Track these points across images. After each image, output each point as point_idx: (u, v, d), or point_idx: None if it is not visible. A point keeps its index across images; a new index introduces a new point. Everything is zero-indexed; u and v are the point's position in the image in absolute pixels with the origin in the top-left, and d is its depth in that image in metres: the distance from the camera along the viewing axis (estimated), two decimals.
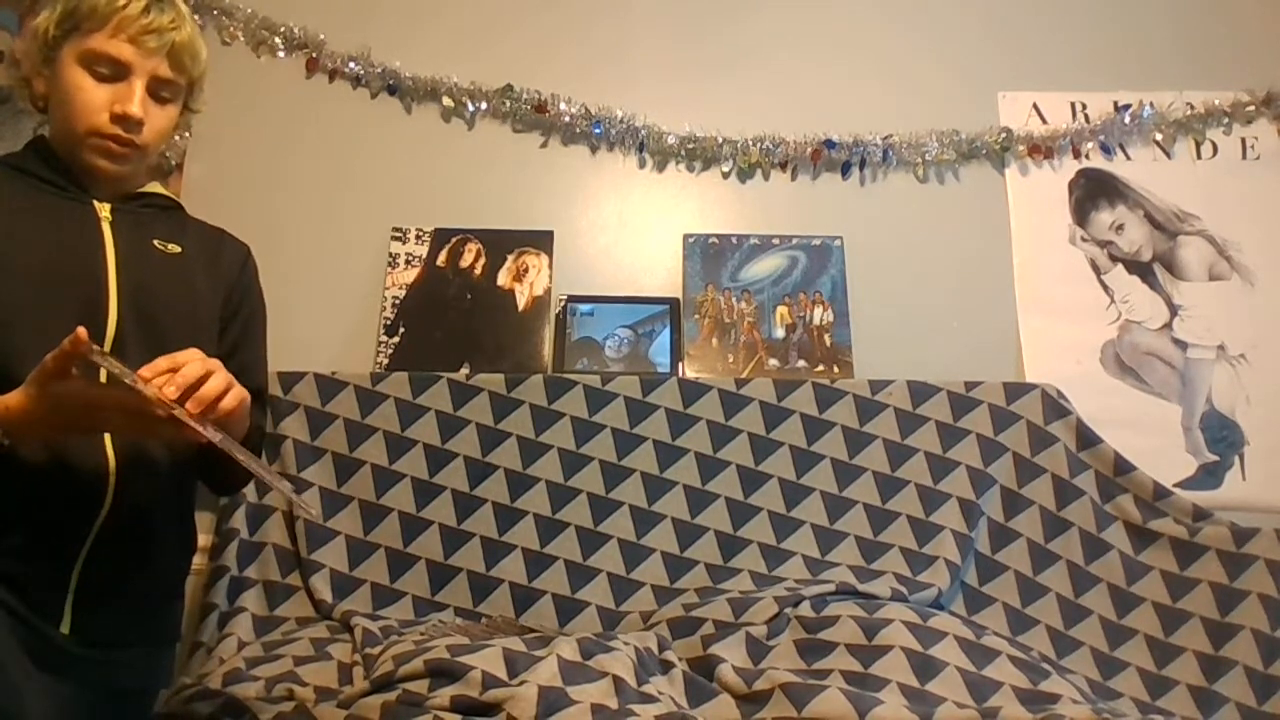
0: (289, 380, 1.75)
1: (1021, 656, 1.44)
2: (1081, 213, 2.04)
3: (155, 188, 1.33)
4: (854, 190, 2.06)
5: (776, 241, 1.99)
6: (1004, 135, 2.05)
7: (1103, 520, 1.72)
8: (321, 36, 2.07)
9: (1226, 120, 2.08)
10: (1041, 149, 2.06)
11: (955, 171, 2.08)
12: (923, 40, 2.13)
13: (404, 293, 1.92)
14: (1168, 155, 2.07)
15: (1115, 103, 2.08)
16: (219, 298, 1.31)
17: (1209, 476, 1.88)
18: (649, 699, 1.22)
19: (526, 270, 1.94)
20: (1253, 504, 1.84)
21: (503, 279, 1.94)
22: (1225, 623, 1.63)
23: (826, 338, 1.91)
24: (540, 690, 1.14)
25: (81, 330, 0.92)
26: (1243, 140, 2.08)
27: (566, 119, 2.04)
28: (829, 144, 2.04)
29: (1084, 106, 2.09)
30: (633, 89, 2.08)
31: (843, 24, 2.14)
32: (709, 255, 1.98)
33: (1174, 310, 1.98)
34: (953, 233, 2.03)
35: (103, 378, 1.04)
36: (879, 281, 1.98)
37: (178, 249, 1.27)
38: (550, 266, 1.95)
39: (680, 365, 1.88)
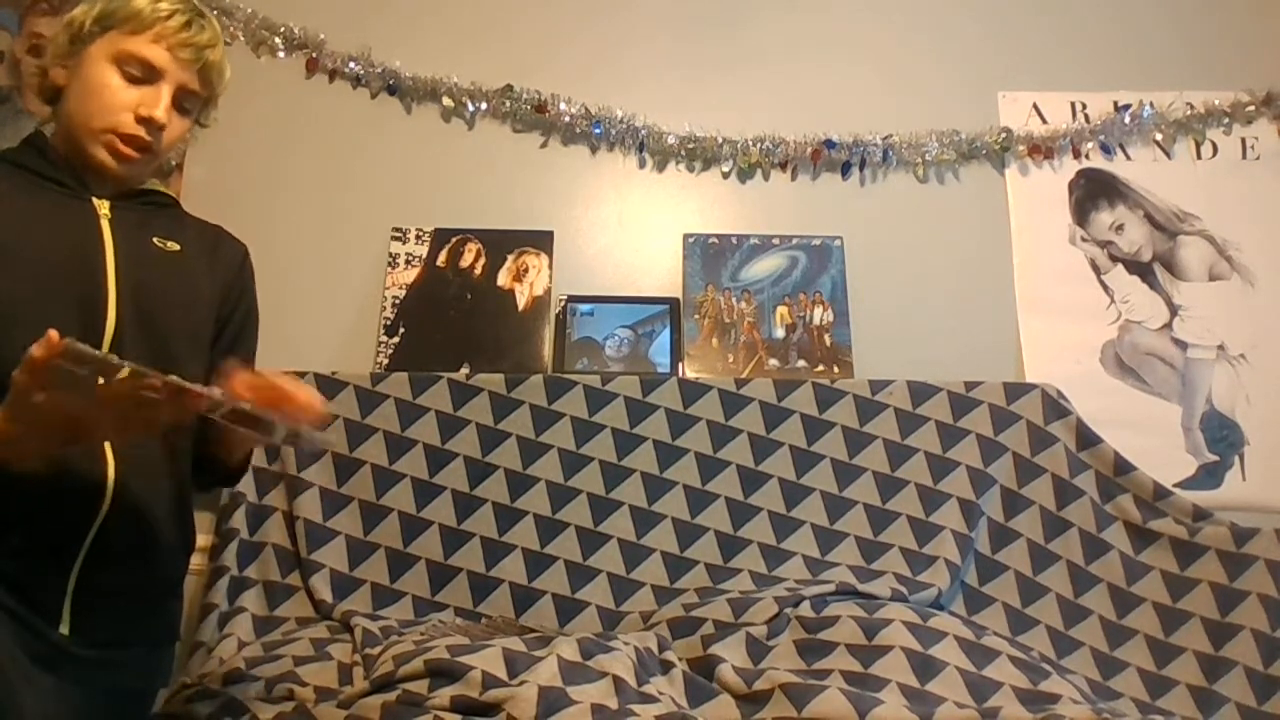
0: None
1: (1021, 656, 1.44)
2: (1081, 213, 2.04)
3: (153, 185, 1.33)
4: (854, 190, 2.06)
5: (776, 241, 1.99)
6: (1004, 135, 2.05)
7: (1103, 520, 1.72)
8: (321, 36, 2.07)
9: (1226, 120, 2.08)
10: (1041, 149, 2.06)
11: (955, 171, 2.08)
12: (923, 40, 2.13)
13: (404, 293, 1.92)
14: (1168, 155, 2.07)
15: (1115, 103, 2.08)
16: (217, 296, 1.31)
17: (1209, 476, 1.88)
18: (649, 699, 1.22)
19: (526, 270, 1.94)
20: (1253, 504, 1.84)
21: (503, 279, 1.94)
22: (1225, 623, 1.63)
23: (826, 338, 1.91)
24: (540, 690, 1.14)
25: (52, 332, 0.88)
26: (1243, 140, 2.08)
27: (566, 119, 2.04)
28: (829, 144, 2.04)
29: (1084, 106, 2.09)
30: (633, 89, 2.08)
31: (843, 24, 2.14)
32: (709, 255, 1.98)
33: (1174, 310, 1.98)
34: (953, 233, 2.03)
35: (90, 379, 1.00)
36: (879, 281, 1.98)
37: (177, 247, 1.27)
38: (550, 266, 1.95)
39: (680, 365, 1.88)
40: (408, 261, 1.95)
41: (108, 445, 1.13)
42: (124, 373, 0.89)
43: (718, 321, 1.92)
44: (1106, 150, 2.07)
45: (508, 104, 2.04)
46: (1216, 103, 2.07)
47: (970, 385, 1.79)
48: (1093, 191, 2.06)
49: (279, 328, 1.85)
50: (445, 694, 1.15)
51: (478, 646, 1.24)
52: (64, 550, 1.11)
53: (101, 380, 0.90)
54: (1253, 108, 2.07)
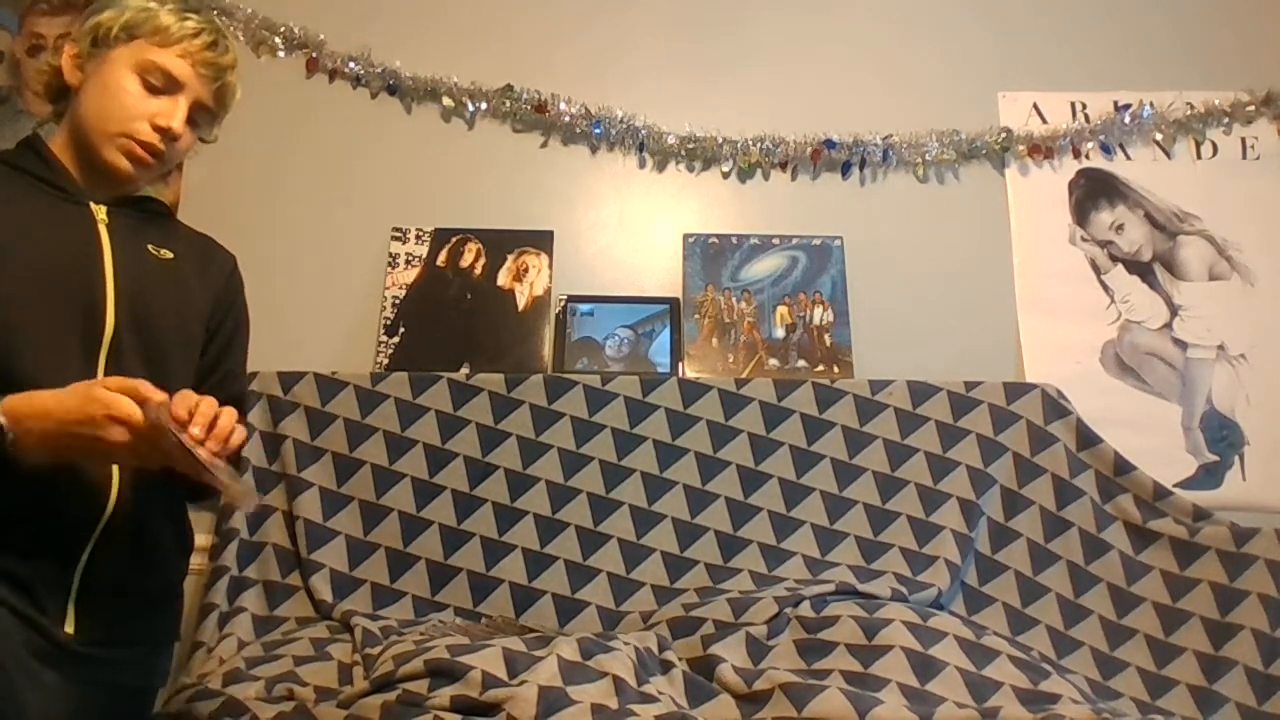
0: (289, 380, 1.75)
1: (1021, 656, 1.44)
2: (1081, 213, 2.04)
3: (148, 192, 1.33)
4: (854, 190, 2.06)
5: (776, 241, 1.99)
6: (1004, 135, 2.05)
7: (1103, 520, 1.72)
8: (321, 36, 2.07)
9: (1226, 120, 2.08)
10: (1041, 149, 2.06)
11: (955, 171, 2.08)
12: (923, 40, 2.13)
13: (404, 293, 1.92)
14: (1168, 155, 2.07)
15: (1115, 103, 2.08)
16: (208, 305, 1.32)
17: (1209, 476, 1.88)
18: (649, 699, 1.22)
19: (526, 270, 1.94)
20: (1253, 504, 1.84)
21: (503, 279, 1.94)
22: (1225, 623, 1.63)
23: (826, 338, 1.91)
24: (540, 690, 1.14)
25: (163, 398, 1.00)
26: (1243, 140, 2.08)
27: (566, 119, 2.04)
28: (829, 144, 2.04)
29: (1084, 106, 2.09)
30: (633, 89, 2.08)
31: (843, 24, 2.14)
32: (709, 255, 1.98)
33: (1174, 310, 1.98)
34: (953, 233, 2.03)
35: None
36: (879, 281, 1.98)
37: (170, 255, 1.28)
38: (550, 266, 1.95)
39: (680, 365, 1.88)
40: (408, 261, 1.95)
41: None
42: (173, 438, 1.00)
43: (718, 321, 1.92)
44: (1106, 150, 2.07)
45: (508, 104, 2.04)
46: (1216, 103, 2.07)
47: (970, 385, 1.79)
48: (1093, 191, 2.06)
49: (279, 328, 1.86)
50: (445, 694, 1.15)
51: (478, 646, 1.24)
52: (69, 549, 1.12)
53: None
54: (1253, 108, 2.07)
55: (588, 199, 2.04)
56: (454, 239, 1.97)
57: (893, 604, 1.52)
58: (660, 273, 1.99)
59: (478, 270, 1.95)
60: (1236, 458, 1.89)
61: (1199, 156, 2.08)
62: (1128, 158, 2.08)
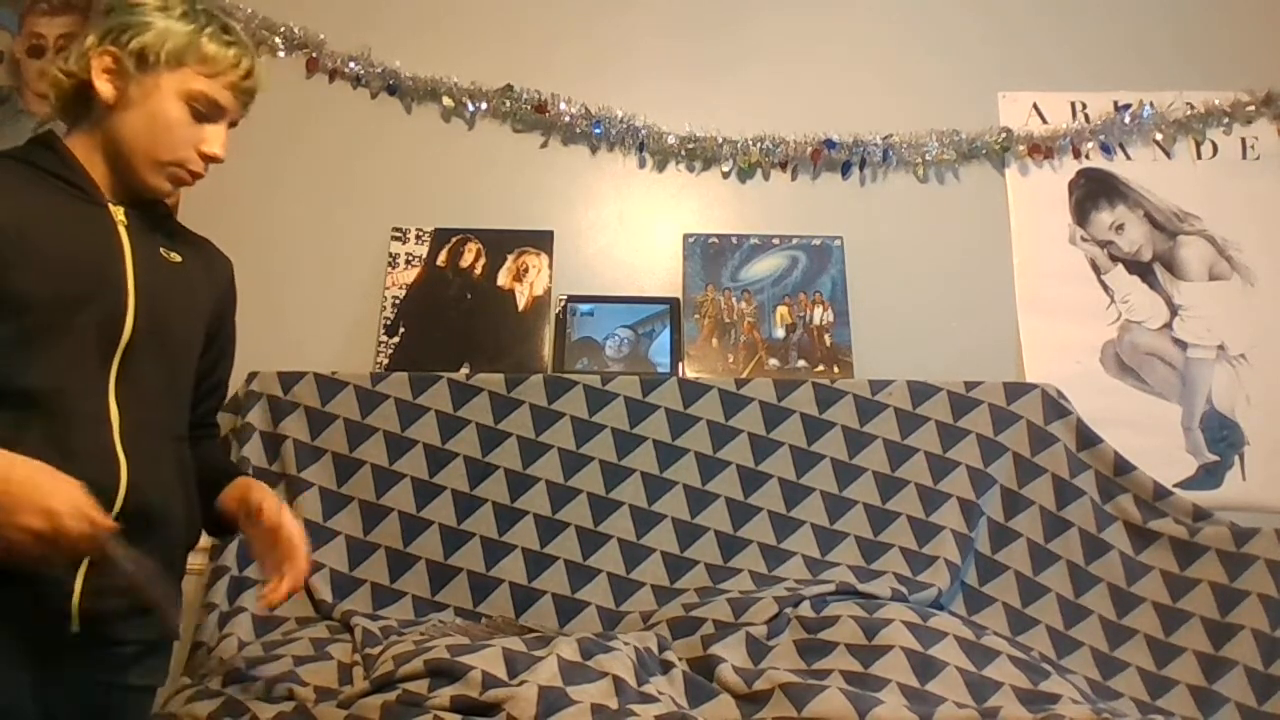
0: (289, 380, 1.75)
1: (1021, 656, 1.44)
2: (1081, 213, 2.04)
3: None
4: (854, 190, 2.06)
5: (776, 241, 1.99)
6: (1004, 135, 2.05)
7: (1103, 520, 1.72)
8: (321, 36, 2.07)
9: (1226, 120, 2.08)
10: (1041, 149, 2.06)
11: (955, 171, 2.08)
12: (923, 40, 2.13)
13: (404, 293, 1.92)
14: (1168, 155, 2.07)
15: (1115, 103, 2.08)
16: (209, 309, 1.33)
17: (1209, 476, 1.88)
18: (649, 699, 1.22)
19: (526, 270, 1.95)
20: (1253, 504, 1.84)
21: (503, 279, 1.94)
22: (1225, 623, 1.63)
23: (826, 338, 1.91)
24: (540, 690, 1.14)
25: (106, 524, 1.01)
26: (1243, 140, 2.08)
27: (566, 119, 2.04)
28: (829, 144, 2.04)
29: (1084, 106, 2.09)
30: (633, 89, 2.08)
31: (843, 24, 2.14)
32: (709, 255, 1.98)
33: (1174, 310, 1.98)
34: (953, 233, 2.03)
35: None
36: (879, 281, 1.98)
37: (178, 258, 1.28)
38: (550, 266, 1.95)
39: (680, 365, 1.88)
40: (408, 261, 1.95)
41: (119, 445, 1.13)
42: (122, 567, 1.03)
43: (718, 321, 1.92)
44: (1106, 150, 2.07)
45: (508, 104, 2.04)
46: (1216, 103, 2.07)
47: (970, 385, 1.79)
48: (1093, 191, 2.06)
49: (279, 328, 1.86)
50: (445, 694, 1.15)
51: (478, 646, 1.24)
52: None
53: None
54: (1253, 108, 2.07)
55: (588, 199, 2.04)
56: (454, 239, 1.97)
57: (893, 604, 1.52)
58: (660, 273, 1.99)
59: (478, 270, 1.95)
60: (1236, 458, 1.89)
61: (1199, 156, 2.08)
62: (1128, 158, 2.08)
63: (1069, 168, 2.07)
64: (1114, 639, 1.65)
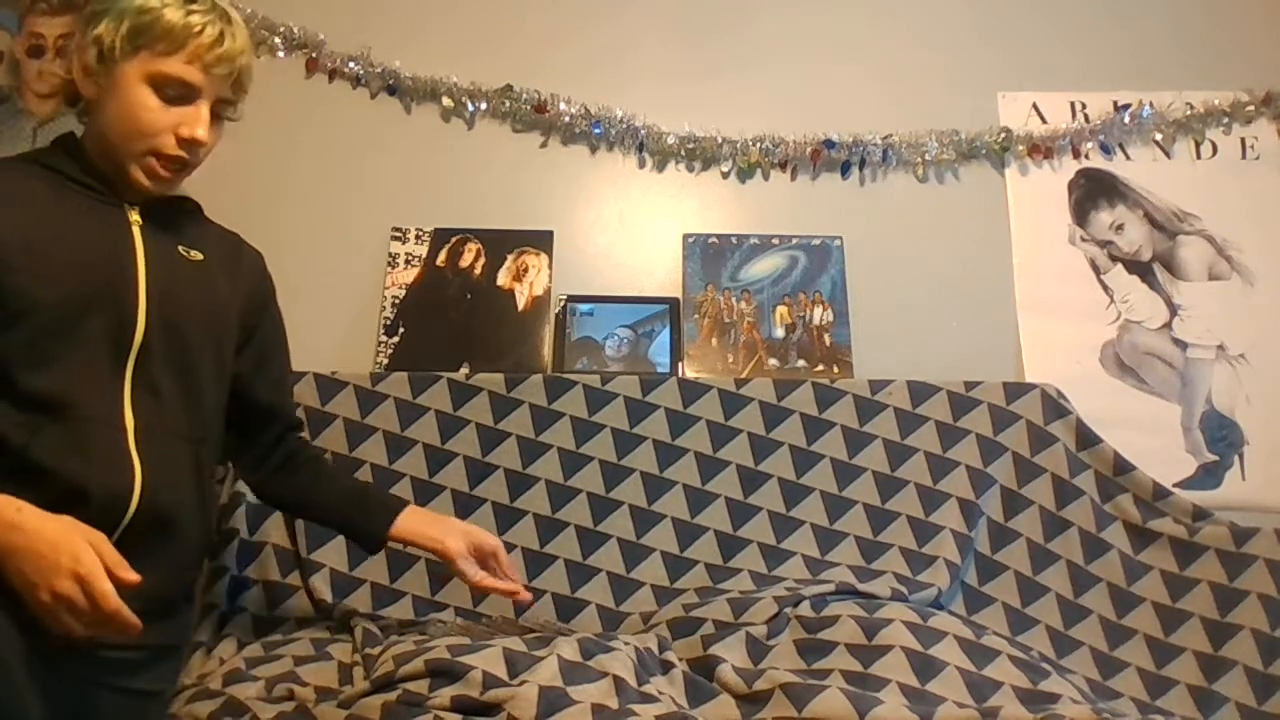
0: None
1: (1021, 656, 1.44)
2: (1081, 213, 2.05)
3: (180, 191, 1.31)
4: (854, 190, 2.06)
5: (776, 241, 1.99)
6: (1004, 135, 2.05)
7: (1103, 520, 1.72)
8: (321, 36, 2.07)
9: (1226, 120, 2.08)
10: (1041, 149, 2.06)
11: (955, 171, 2.08)
12: (923, 40, 2.13)
13: (404, 293, 1.92)
14: (1168, 155, 2.08)
15: (1115, 103, 2.08)
16: (240, 305, 1.30)
17: (1209, 476, 1.88)
18: (649, 699, 1.22)
19: (526, 270, 1.95)
20: (1253, 504, 1.84)
21: (503, 279, 1.94)
22: (1225, 623, 1.63)
23: (826, 338, 1.91)
24: (541, 690, 1.14)
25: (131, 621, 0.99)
26: (1242, 140, 2.08)
27: (566, 119, 2.04)
28: (829, 144, 2.04)
29: (1084, 106, 2.10)
30: (633, 89, 2.08)
31: (843, 24, 2.14)
32: (709, 255, 1.98)
33: (1174, 310, 1.98)
34: (953, 233, 2.03)
35: None
36: (879, 281, 1.98)
37: (200, 256, 1.26)
38: (550, 266, 1.95)
39: (680, 365, 1.88)
40: (408, 261, 1.95)
41: (134, 449, 1.12)
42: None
43: (718, 321, 1.92)
44: (1106, 150, 2.07)
45: (508, 104, 2.05)
46: (1216, 103, 2.07)
47: (970, 385, 1.79)
48: (1092, 191, 2.06)
49: None
50: (446, 694, 1.15)
51: (478, 646, 1.24)
52: None
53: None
54: (1252, 108, 2.07)
55: (588, 199, 2.04)
56: (454, 239, 1.97)
57: (893, 604, 1.52)
58: (660, 273, 1.99)
59: (478, 270, 1.95)
60: (1236, 458, 1.89)
61: (1199, 156, 2.08)
62: (1127, 158, 2.08)
63: (1069, 168, 2.07)
64: (1114, 639, 1.65)
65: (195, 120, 1.17)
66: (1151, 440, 1.88)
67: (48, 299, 1.09)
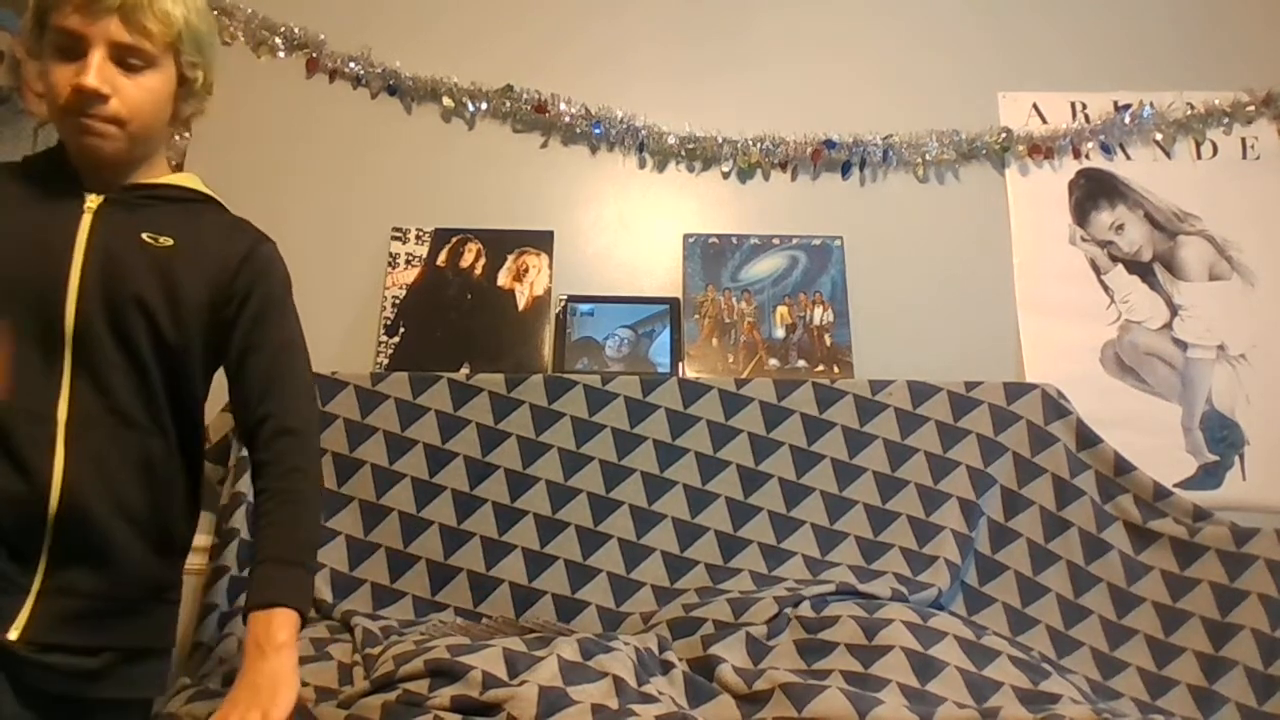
0: None
1: (1021, 656, 1.44)
2: (1081, 213, 2.05)
3: (182, 179, 1.27)
4: (854, 190, 2.06)
5: (776, 241, 1.99)
6: (1004, 135, 2.05)
7: (1103, 520, 1.72)
8: (321, 36, 2.07)
9: (1226, 120, 2.08)
10: (1041, 149, 2.06)
11: (955, 171, 2.08)
12: (923, 40, 2.13)
13: (404, 293, 1.92)
14: (1168, 155, 2.07)
15: (1115, 103, 2.08)
16: (205, 295, 1.21)
17: (1209, 476, 1.88)
18: (649, 699, 1.22)
19: (526, 270, 1.94)
20: (1253, 504, 1.84)
21: (503, 279, 1.94)
22: (1225, 623, 1.63)
23: (826, 338, 1.91)
24: (541, 690, 1.14)
25: None
26: (1243, 140, 2.08)
27: (566, 119, 2.04)
28: (829, 144, 2.04)
29: (1084, 106, 2.09)
30: (633, 89, 2.08)
31: (843, 24, 2.14)
32: (709, 255, 1.98)
33: (1174, 310, 1.98)
34: (953, 233, 2.03)
35: None
36: (879, 281, 1.98)
37: (169, 242, 1.20)
38: (550, 266, 1.95)
39: (680, 365, 1.88)
40: (408, 261, 1.95)
41: (61, 442, 1.09)
42: None
43: (718, 321, 1.92)
44: (1106, 150, 2.07)
45: (508, 104, 2.05)
46: (1216, 103, 2.07)
47: (970, 385, 1.79)
48: (1093, 191, 2.06)
49: None
50: (446, 694, 1.15)
51: (478, 646, 1.24)
52: (24, 550, 1.08)
53: None
54: (1253, 108, 2.07)
55: (588, 199, 2.04)
56: (454, 239, 1.97)
57: (893, 604, 1.52)
58: (660, 273, 1.99)
59: (478, 270, 1.95)
60: (1236, 458, 1.89)
61: (1199, 156, 2.08)
62: (1128, 158, 2.08)
63: (1069, 168, 2.07)
64: (1114, 639, 1.65)
65: (84, 69, 1.11)
66: (1152, 440, 1.88)
67: None
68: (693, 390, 1.77)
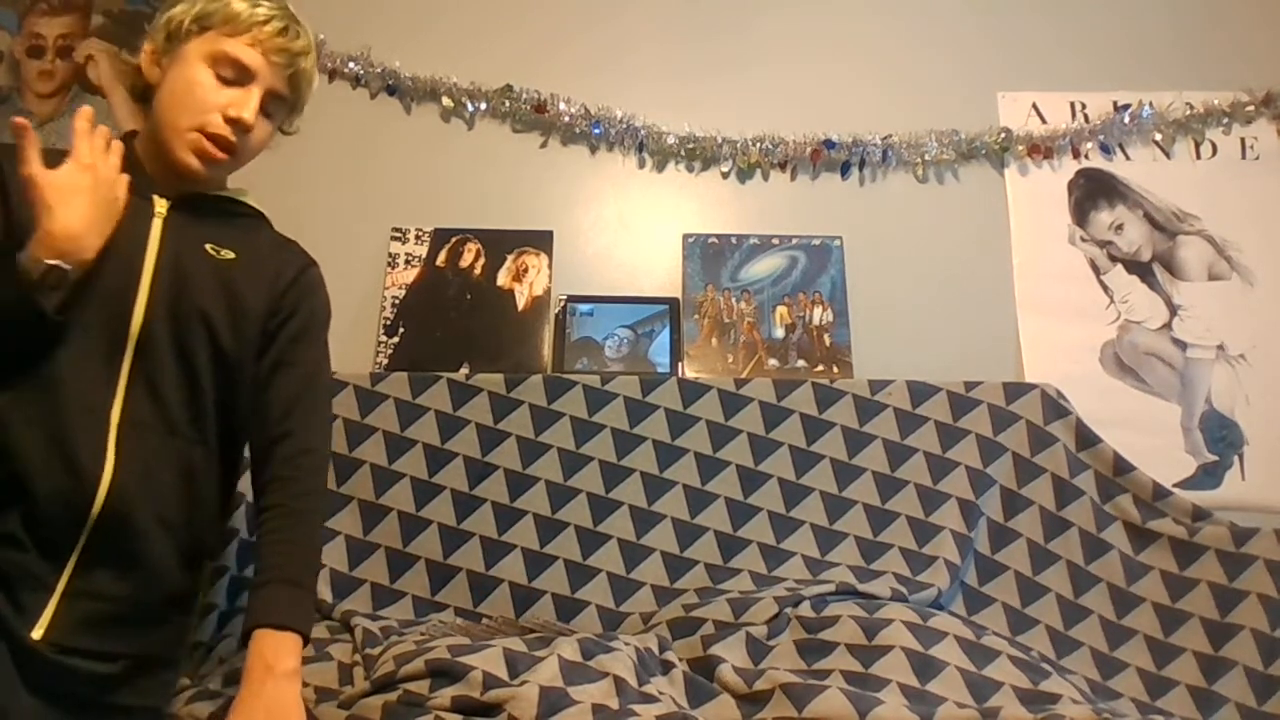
0: None
1: (1021, 656, 1.44)
2: (1081, 213, 2.05)
3: (237, 193, 1.31)
4: (854, 190, 2.06)
5: (776, 241, 1.99)
6: (1004, 135, 2.05)
7: (1102, 520, 1.72)
8: (321, 36, 2.06)
9: (1226, 120, 2.08)
10: (1041, 149, 2.06)
11: (955, 171, 2.08)
12: (923, 40, 2.13)
13: (404, 293, 1.92)
14: (1167, 155, 2.08)
15: (1115, 103, 2.08)
16: (261, 309, 1.25)
17: (1208, 476, 1.88)
18: (650, 699, 1.22)
19: (526, 270, 1.95)
20: (1252, 504, 1.84)
21: (502, 279, 1.94)
22: (1225, 623, 1.63)
23: (826, 338, 1.91)
24: (541, 690, 1.14)
25: None
26: (1242, 140, 2.08)
27: (566, 119, 2.04)
28: (829, 144, 2.04)
29: (1084, 106, 2.10)
30: (632, 89, 2.08)
31: (843, 24, 2.14)
32: (709, 255, 1.98)
33: (1173, 310, 1.98)
34: (952, 233, 2.03)
35: None
36: (879, 281, 1.98)
37: (231, 255, 1.24)
38: (550, 266, 1.95)
39: (680, 365, 1.88)
40: (407, 261, 1.95)
41: (112, 443, 1.11)
42: None
43: (717, 321, 1.92)
44: (1106, 150, 2.07)
45: (507, 104, 2.05)
46: (1216, 103, 2.08)
47: (970, 385, 1.79)
48: (1092, 191, 2.06)
49: None
50: (446, 694, 1.15)
51: (478, 646, 1.24)
52: (57, 548, 1.08)
53: None
54: (1252, 108, 2.08)
55: (587, 199, 2.04)
56: (454, 239, 1.97)
57: (893, 604, 1.52)
58: (660, 273, 1.99)
59: (477, 270, 1.95)
60: (1236, 458, 1.89)
61: (1198, 156, 2.08)
62: (1127, 158, 2.08)
63: (1068, 168, 2.07)
64: (1114, 639, 1.65)
65: (244, 101, 1.18)
66: (1151, 440, 1.88)
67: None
68: (692, 390, 1.77)
